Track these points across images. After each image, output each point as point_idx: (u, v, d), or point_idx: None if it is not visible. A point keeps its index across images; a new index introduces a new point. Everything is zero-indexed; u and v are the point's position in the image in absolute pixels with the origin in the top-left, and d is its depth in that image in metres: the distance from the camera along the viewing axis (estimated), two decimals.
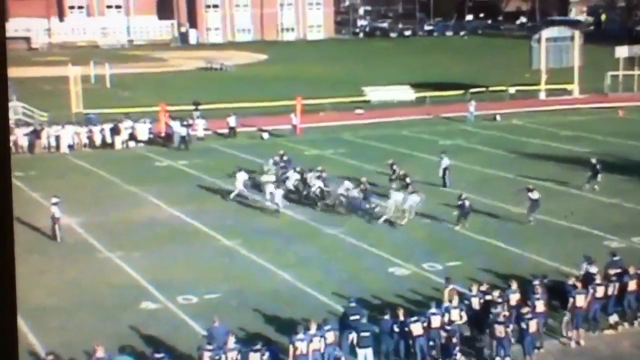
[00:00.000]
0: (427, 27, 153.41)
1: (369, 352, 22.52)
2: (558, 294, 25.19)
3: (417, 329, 22.75)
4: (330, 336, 22.37)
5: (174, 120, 54.99)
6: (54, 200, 34.48)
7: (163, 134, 54.38)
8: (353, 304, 23.96)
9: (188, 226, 35.94)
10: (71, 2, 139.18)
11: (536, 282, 24.84)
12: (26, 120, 59.43)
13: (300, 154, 49.29)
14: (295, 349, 21.69)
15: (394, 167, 41.35)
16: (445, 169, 41.69)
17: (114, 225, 35.96)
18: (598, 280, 25.22)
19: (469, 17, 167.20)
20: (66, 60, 77.49)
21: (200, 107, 59.11)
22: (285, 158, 42.62)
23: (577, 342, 24.18)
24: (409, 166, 44.93)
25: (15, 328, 3.63)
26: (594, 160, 41.26)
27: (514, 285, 24.93)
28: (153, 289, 28.22)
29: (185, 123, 54.86)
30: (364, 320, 23.11)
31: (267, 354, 21.50)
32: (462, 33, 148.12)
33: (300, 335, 21.80)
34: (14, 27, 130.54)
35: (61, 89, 65.16)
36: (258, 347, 21.50)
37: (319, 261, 31.11)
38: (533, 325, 22.94)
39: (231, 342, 21.42)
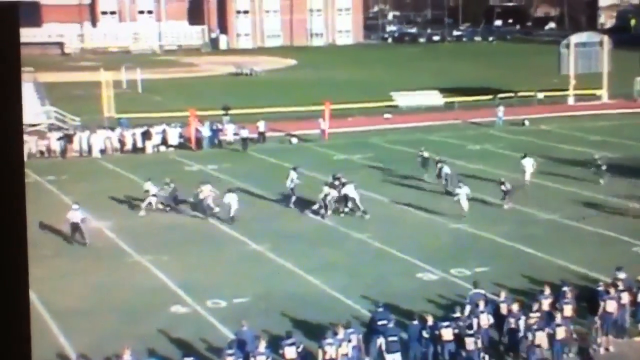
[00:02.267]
0: (455, 33, 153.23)
1: (397, 357, 22.57)
2: (587, 300, 25.20)
3: (447, 334, 22.75)
4: (354, 339, 22.45)
5: (204, 124, 55.61)
6: (75, 207, 34.90)
7: (193, 139, 54.90)
8: (380, 309, 24.04)
9: (217, 230, 36.20)
10: (104, 8, 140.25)
11: (566, 288, 24.89)
12: (59, 124, 60.20)
13: (329, 159, 49.57)
14: (324, 353, 21.75)
15: (422, 153, 44.33)
16: (446, 177, 41.65)
17: (144, 229, 36.24)
18: (621, 286, 25.29)
19: (498, 22, 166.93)
20: (98, 65, 78.18)
21: (229, 112, 59.63)
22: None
23: (606, 349, 24.12)
24: (433, 171, 45.31)
25: (29, 333, 3.61)
26: (596, 156, 43.63)
27: (547, 291, 24.95)
28: (182, 293, 28.44)
29: (215, 127, 55.50)
30: (392, 325, 23.14)
31: (301, 346, 21.78)
32: (490, 38, 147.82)
33: (330, 340, 21.89)
34: (48, 32, 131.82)
35: (93, 93, 65.82)
36: (292, 340, 21.77)
37: (347, 266, 31.22)
38: (561, 332, 22.92)
39: (262, 346, 21.54)
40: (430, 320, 23.22)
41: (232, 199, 37.15)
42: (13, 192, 3.50)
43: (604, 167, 42.91)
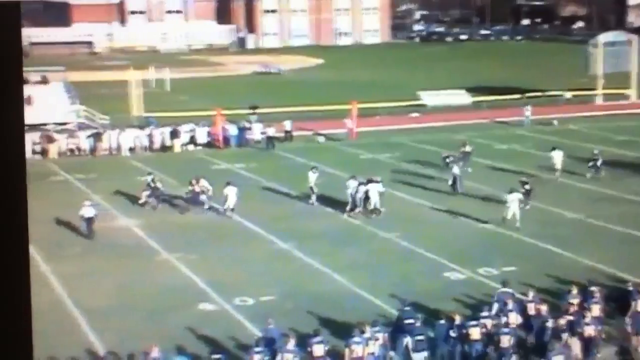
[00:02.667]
0: (483, 32, 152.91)
1: (424, 356, 22.59)
2: (615, 300, 25.19)
3: (475, 333, 22.74)
4: (380, 338, 22.48)
5: (231, 123, 55.95)
6: (87, 203, 35.52)
7: (219, 138, 55.20)
8: (407, 308, 24.06)
9: (244, 229, 36.37)
10: (132, 7, 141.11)
11: (593, 288, 24.86)
12: (88, 123, 60.66)
13: (355, 158, 49.66)
14: (351, 351, 21.75)
15: (466, 148, 45.69)
16: (455, 178, 41.55)
17: (172, 227, 36.46)
18: None
19: (525, 21, 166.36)
20: (127, 64, 78.67)
21: (256, 111, 59.91)
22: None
23: (636, 349, 23.87)
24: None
25: (30, 336, 3.56)
26: (596, 151, 44.93)
27: (574, 291, 24.88)
28: (210, 291, 28.60)
29: (242, 126, 55.80)
30: (419, 324, 23.17)
31: (328, 345, 21.85)
32: (518, 37, 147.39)
33: (357, 339, 21.89)
34: (77, 32, 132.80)
35: (122, 92, 66.22)
36: (320, 338, 21.84)
37: (374, 264, 31.26)
38: (590, 332, 22.86)
39: (291, 344, 21.65)
40: (457, 320, 23.20)
41: (230, 192, 37.70)
42: (14, 192, 3.46)
43: (599, 163, 43.94)
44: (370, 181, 38.24)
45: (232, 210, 37.75)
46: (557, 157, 43.71)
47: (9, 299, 3.51)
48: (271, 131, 54.77)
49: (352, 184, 38.10)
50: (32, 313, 3.61)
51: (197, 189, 38.76)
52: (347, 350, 21.87)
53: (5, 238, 3.43)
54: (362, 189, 37.82)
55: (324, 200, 39.86)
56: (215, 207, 38.39)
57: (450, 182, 41.48)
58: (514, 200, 35.32)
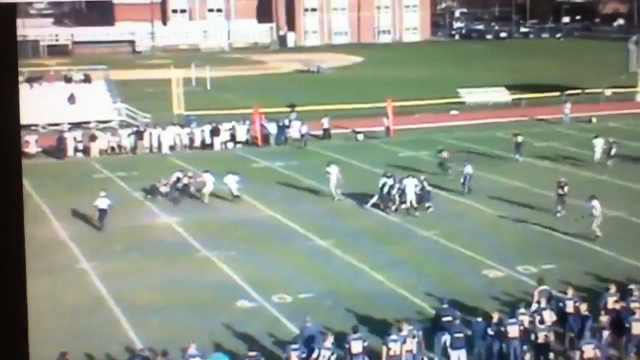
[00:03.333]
0: (523, 29, 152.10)
1: (462, 353, 22.56)
2: None
3: (513, 331, 22.69)
4: (417, 336, 22.49)
5: (271, 121, 56.31)
6: (102, 194, 36.42)
7: (259, 136, 55.61)
8: (446, 306, 24.10)
9: (283, 226, 36.53)
10: (174, 6, 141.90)
11: (633, 286, 24.79)
12: (129, 121, 61.38)
13: (394, 156, 49.75)
14: (388, 349, 21.78)
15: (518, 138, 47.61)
16: (466, 176, 41.36)
17: (212, 225, 36.67)
18: None
19: (566, 19, 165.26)
20: (168, 63, 79.27)
21: (296, 109, 60.22)
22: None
23: None
24: (503, 168, 45.46)
25: (26, 334, 3.51)
26: (611, 139, 46.89)
27: (613, 289, 24.80)
28: (249, 288, 28.75)
29: (281, 124, 56.16)
30: (457, 322, 23.15)
31: (367, 342, 21.92)
32: (558, 35, 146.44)
33: (394, 337, 21.95)
34: (120, 30, 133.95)
35: (163, 91, 66.77)
36: (359, 335, 21.92)
37: (412, 263, 31.29)
38: (638, 328, 22.84)
39: (329, 342, 21.75)
40: (495, 317, 23.23)
41: (230, 180, 39.78)
42: (10, 191, 3.45)
43: (612, 152, 45.94)
44: (408, 177, 38.51)
45: (237, 197, 39.89)
46: (598, 145, 45.55)
47: (5, 297, 3.50)
48: (303, 129, 55.21)
49: (386, 180, 38.42)
50: (27, 313, 3.57)
51: (185, 180, 41.03)
52: (384, 348, 21.89)
53: (2, 239, 3.46)
54: (399, 185, 38.07)
55: (363, 198, 40.10)
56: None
57: (461, 181, 41.28)
58: (596, 208, 33.48)
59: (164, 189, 40.85)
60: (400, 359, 21.95)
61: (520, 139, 48.53)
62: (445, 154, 44.84)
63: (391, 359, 21.89)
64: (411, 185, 38.00)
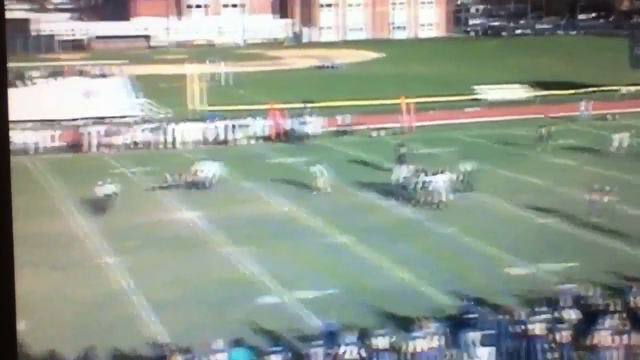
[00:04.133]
0: (539, 26, 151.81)
1: (492, 350, 22.51)
2: None
3: (535, 328, 22.65)
4: (440, 333, 22.45)
5: (288, 118, 56.45)
6: (100, 183, 38.25)
7: (275, 132, 55.77)
8: (469, 303, 24.17)
9: (304, 222, 36.57)
10: (189, 1, 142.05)
11: None
12: (148, 117, 61.53)
13: (412, 152, 49.79)
14: (412, 346, 21.81)
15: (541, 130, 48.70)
16: (464, 174, 41.29)
17: (231, 220, 36.70)
18: None
19: (582, 16, 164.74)
20: (184, 58, 79.50)
21: (312, 105, 60.35)
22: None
23: None
24: (520, 165, 45.41)
25: (14, 328, 3.38)
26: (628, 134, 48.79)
27: (635, 288, 24.79)
28: (270, 284, 28.83)
29: (298, 120, 56.30)
30: (483, 319, 23.18)
31: (394, 337, 21.95)
32: (574, 32, 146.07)
33: (417, 333, 21.97)
34: (135, 25, 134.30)
35: (178, 86, 66.98)
36: (383, 332, 21.95)
37: (433, 259, 31.29)
38: None
39: (350, 338, 21.74)
40: (519, 315, 23.23)
41: (214, 167, 42.07)
42: None
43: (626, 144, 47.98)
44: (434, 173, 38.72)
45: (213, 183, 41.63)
46: (616, 140, 47.09)
47: None
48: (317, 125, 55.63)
49: (401, 170, 38.68)
50: (15, 308, 3.48)
51: (188, 178, 41.71)
52: (407, 345, 21.91)
53: None
54: (423, 179, 38.23)
55: (384, 193, 40.17)
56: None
57: (460, 178, 41.09)
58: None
59: (177, 180, 41.43)
60: (424, 356, 21.96)
61: (544, 130, 49.57)
62: (403, 150, 44.87)
63: (415, 356, 21.90)
64: (442, 180, 38.11)
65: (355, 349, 21.63)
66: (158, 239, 34.21)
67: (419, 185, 38.36)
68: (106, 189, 37.90)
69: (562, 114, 61.95)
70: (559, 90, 69.30)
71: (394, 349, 22.08)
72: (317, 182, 41.01)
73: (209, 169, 42.36)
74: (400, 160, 43.16)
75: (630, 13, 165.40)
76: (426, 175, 38.55)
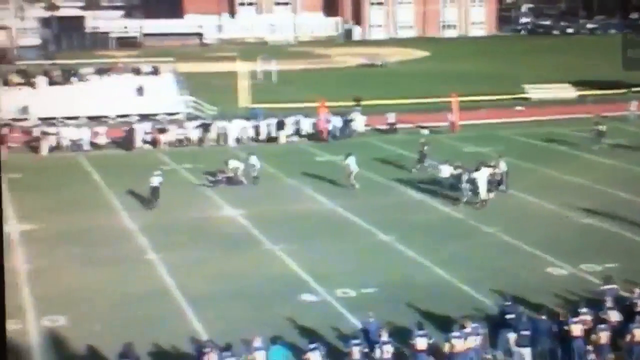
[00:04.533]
0: (589, 25, 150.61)
1: (528, 352, 22.43)
2: None
3: (576, 329, 22.55)
4: (480, 333, 22.45)
5: (335, 115, 56.79)
6: (157, 172, 39.51)
7: (323, 129, 56.14)
8: (509, 303, 24.02)
9: (346, 220, 36.76)
10: None
11: None
12: (197, 114, 62.24)
13: (458, 151, 49.87)
14: (451, 346, 21.74)
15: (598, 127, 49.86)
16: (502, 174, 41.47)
17: (276, 218, 37.00)
18: None
19: (634, 15, 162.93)
20: (235, 56, 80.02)
21: (361, 102, 60.62)
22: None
23: None
24: (570, 166, 45.28)
25: (4, 326, 3.22)
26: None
27: None
28: (312, 281, 28.96)
29: (345, 118, 56.63)
30: (524, 319, 23.09)
31: (433, 338, 21.96)
32: (625, 31, 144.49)
33: (457, 333, 21.90)
34: (188, 23, 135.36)
35: (229, 84, 67.49)
36: (424, 332, 21.93)
37: (475, 258, 31.32)
38: None
39: (385, 336, 21.77)
40: (560, 315, 23.18)
41: (255, 161, 42.75)
42: None
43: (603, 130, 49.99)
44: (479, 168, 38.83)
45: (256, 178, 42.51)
46: None
47: None
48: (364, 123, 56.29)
49: (446, 169, 39.01)
50: (5, 306, 3.47)
51: (229, 173, 42.32)
52: (447, 345, 21.88)
53: None
54: (468, 177, 38.47)
55: (426, 192, 40.36)
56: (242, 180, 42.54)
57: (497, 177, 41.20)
58: None
59: (222, 176, 42.42)
60: (463, 356, 21.88)
61: (602, 127, 49.75)
62: (425, 148, 45.20)
63: (454, 356, 21.85)
64: (484, 176, 38.30)
65: (391, 348, 21.66)
66: (203, 236, 34.59)
67: (466, 182, 38.43)
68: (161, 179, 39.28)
69: (611, 113, 61.60)
70: (609, 89, 68.83)
71: (432, 348, 22.09)
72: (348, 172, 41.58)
73: (252, 165, 42.75)
74: (421, 158, 43.56)
75: None
76: (469, 172, 38.62)
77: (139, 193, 40.39)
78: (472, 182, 38.27)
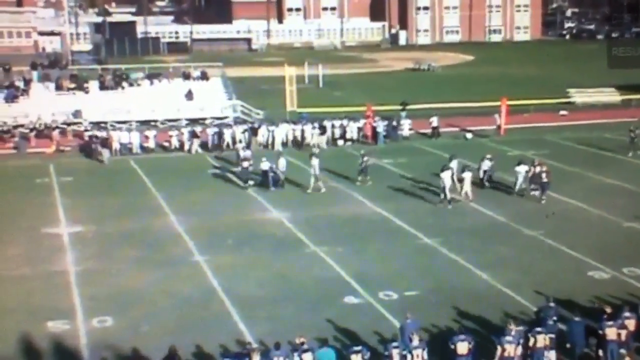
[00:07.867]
0: (635, 29, 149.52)
1: (553, 354, 22.27)
2: None
3: (611, 333, 22.44)
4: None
5: (382, 119, 57.22)
6: (264, 159, 43.39)
7: (369, 133, 56.62)
8: (551, 304, 23.93)
9: (390, 223, 36.98)
10: (290, 5, 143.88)
11: None
12: (244, 118, 62.93)
13: (503, 155, 49.97)
14: (503, 350, 21.50)
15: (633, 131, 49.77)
16: (485, 172, 42.42)
17: (320, 221, 37.32)
18: None
19: None
20: (282, 60, 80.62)
21: (408, 106, 60.95)
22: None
23: None
24: (612, 170, 45.29)
25: None
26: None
27: None
28: (355, 284, 29.12)
29: (392, 122, 57.01)
30: (550, 323, 23.02)
31: (473, 342, 21.76)
32: None
33: (509, 337, 21.62)
34: (237, 28, 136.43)
35: (277, 88, 68.03)
36: (464, 337, 21.81)
37: (518, 262, 31.42)
38: None
39: (416, 340, 21.64)
40: (599, 319, 22.95)
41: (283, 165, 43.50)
42: None
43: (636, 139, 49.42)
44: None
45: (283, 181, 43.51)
46: None
47: None
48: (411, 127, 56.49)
49: (523, 169, 40.56)
50: None
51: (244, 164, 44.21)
52: (499, 349, 21.62)
53: None
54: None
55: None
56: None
57: (480, 176, 42.12)
58: None
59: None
60: None
61: (636, 133, 49.84)
62: (366, 158, 44.88)
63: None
64: (523, 171, 40.48)
65: (423, 353, 21.58)
66: (249, 239, 34.90)
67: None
68: (265, 165, 43.00)
69: None
70: None
71: (474, 353, 22.01)
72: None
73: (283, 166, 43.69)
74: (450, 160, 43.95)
75: None
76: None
77: (187, 196, 40.96)
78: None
